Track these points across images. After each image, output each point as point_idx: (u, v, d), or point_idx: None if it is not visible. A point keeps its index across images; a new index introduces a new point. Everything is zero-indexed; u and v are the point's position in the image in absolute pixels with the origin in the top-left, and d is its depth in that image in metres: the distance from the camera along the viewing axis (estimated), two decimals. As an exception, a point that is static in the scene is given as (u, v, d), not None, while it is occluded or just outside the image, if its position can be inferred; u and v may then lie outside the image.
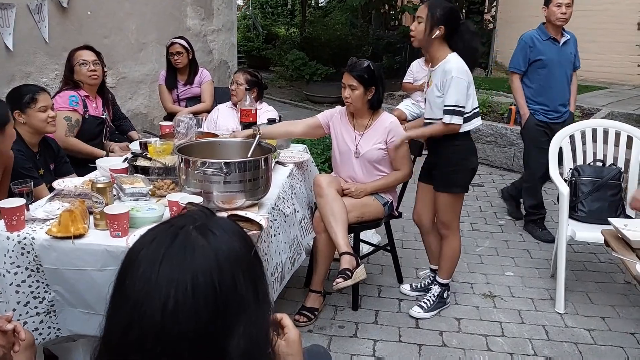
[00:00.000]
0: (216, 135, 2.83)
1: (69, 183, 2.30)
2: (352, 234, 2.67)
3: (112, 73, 4.19)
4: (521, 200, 3.88)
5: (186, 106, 3.94)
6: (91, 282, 1.76)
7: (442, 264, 2.76)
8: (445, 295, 2.77)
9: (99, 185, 1.90)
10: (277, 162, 2.64)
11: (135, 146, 2.81)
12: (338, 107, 2.82)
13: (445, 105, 2.42)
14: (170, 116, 3.83)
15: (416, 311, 2.72)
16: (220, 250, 0.73)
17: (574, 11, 3.45)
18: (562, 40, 3.51)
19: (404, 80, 5.15)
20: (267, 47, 11.69)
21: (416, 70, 5.01)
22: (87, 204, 1.94)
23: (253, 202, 2.10)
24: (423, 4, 2.50)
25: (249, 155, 2.13)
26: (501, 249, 3.52)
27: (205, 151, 2.23)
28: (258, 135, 2.32)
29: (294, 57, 9.43)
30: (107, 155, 2.86)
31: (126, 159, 2.47)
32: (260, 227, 1.77)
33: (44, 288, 1.83)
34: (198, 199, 1.94)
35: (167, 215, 1.94)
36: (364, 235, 3.10)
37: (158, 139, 2.74)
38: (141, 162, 2.42)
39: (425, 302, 2.73)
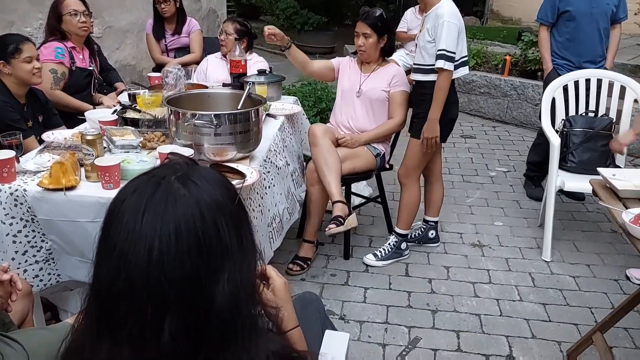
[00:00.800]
0: (205, 87, 2.79)
1: (59, 135, 2.28)
2: (344, 186, 2.69)
3: (98, 22, 4.05)
4: None
5: (175, 57, 3.85)
6: (85, 233, 1.78)
7: (401, 213, 2.79)
8: (403, 246, 2.80)
9: (89, 137, 1.88)
10: (268, 115, 2.62)
11: (124, 98, 2.77)
12: (348, 56, 2.92)
13: (438, 50, 2.40)
14: (158, 67, 3.75)
15: (369, 259, 2.76)
16: (202, 199, 0.73)
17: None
18: None
19: (398, 29, 5.00)
20: (257, -5, 11.31)
21: (410, 19, 4.86)
22: (78, 156, 1.93)
23: (244, 154, 2.10)
24: None
25: (239, 107, 2.11)
26: (491, 200, 3.57)
27: (195, 103, 2.20)
28: (248, 87, 2.29)
29: (285, 5, 9.15)
30: (94, 108, 2.81)
31: (115, 111, 2.44)
32: (243, 176, 1.77)
33: (41, 237, 1.85)
34: (189, 151, 1.93)
35: (158, 167, 1.93)
36: (355, 187, 3.12)
37: (147, 90, 2.69)
38: (130, 114, 2.40)
39: (380, 251, 2.78)
